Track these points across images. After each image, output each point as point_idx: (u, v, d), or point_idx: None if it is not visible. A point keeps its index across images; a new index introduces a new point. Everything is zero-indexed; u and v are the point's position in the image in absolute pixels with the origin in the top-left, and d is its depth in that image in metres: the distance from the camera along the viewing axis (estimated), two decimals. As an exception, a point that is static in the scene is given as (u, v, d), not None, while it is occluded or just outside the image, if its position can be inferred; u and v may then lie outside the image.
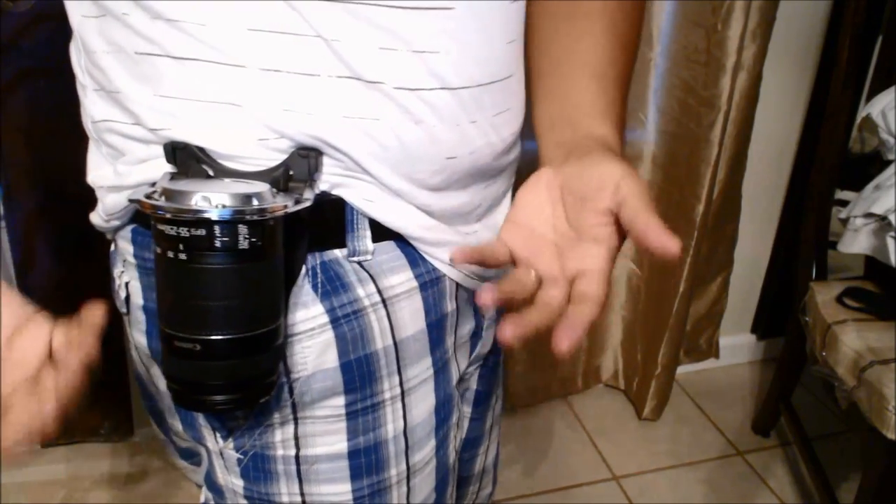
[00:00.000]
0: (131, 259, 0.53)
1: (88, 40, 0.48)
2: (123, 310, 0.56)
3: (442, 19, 0.46)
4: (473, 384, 0.68)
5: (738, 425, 1.77)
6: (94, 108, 0.50)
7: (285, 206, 0.43)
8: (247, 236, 0.41)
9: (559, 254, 0.46)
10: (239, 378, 0.44)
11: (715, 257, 1.78)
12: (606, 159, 0.46)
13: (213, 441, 0.53)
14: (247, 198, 0.42)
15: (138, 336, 0.55)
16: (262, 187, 0.44)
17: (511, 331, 0.40)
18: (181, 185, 0.43)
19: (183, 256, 0.41)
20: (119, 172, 0.50)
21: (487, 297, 0.41)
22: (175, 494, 1.47)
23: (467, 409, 0.68)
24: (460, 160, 0.51)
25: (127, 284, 0.54)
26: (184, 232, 0.40)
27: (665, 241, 0.40)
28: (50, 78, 1.26)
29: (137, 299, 0.53)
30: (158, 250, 0.42)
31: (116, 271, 0.56)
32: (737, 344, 1.98)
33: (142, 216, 0.51)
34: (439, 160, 0.50)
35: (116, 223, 0.54)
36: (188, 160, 0.46)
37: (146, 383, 0.59)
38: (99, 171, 0.53)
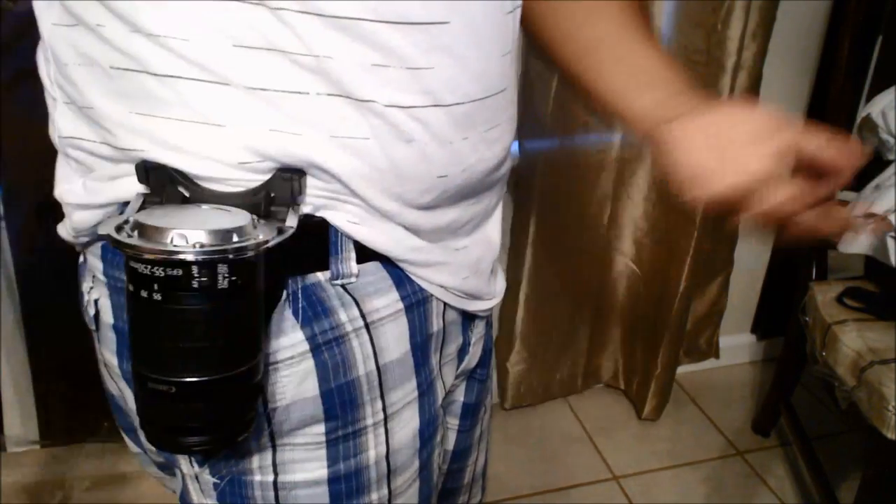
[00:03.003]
0: (101, 276, 0.51)
1: (59, 50, 0.45)
2: (92, 326, 0.54)
3: (437, 34, 0.44)
4: (460, 396, 0.66)
5: (738, 425, 1.77)
6: (62, 122, 0.47)
7: (267, 241, 0.41)
8: (226, 275, 0.39)
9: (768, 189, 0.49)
10: (216, 419, 0.42)
11: (715, 257, 1.77)
12: (742, 106, 0.51)
13: (188, 466, 0.52)
14: (227, 234, 0.39)
15: (108, 355, 0.53)
16: (243, 219, 0.41)
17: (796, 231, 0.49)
18: (155, 217, 0.40)
19: (157, 297, 0.38)
20: (88, 189, 0.48)
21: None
22: (174, 495, 1.47)
23: (454, 422, 0.67)
24: (451, 178, 0.49)
25: (96, 301, 0.52)
26: (158, 272, 0.38)
27: (854, 154, 0.48)
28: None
29: (107, 318, 0.51)
30: (131, 288, 0.39)
31: (85, 286, 0.53)
32: (737, 344, 1.97)
33: None
34: (430, 179, 0.48)
35: (85, 239, 0.51)
36: (162, 181, 0.44)
37: (117, 399, 0.57)
38: (67, 184, 0.50)
